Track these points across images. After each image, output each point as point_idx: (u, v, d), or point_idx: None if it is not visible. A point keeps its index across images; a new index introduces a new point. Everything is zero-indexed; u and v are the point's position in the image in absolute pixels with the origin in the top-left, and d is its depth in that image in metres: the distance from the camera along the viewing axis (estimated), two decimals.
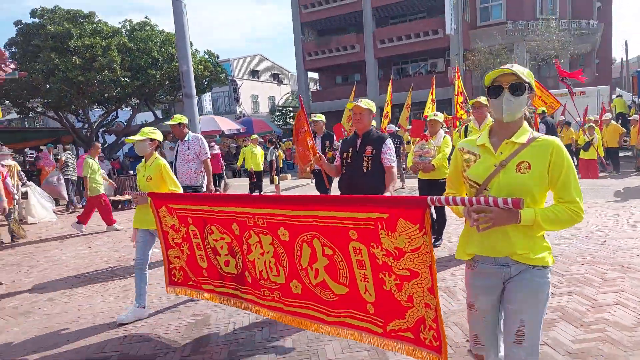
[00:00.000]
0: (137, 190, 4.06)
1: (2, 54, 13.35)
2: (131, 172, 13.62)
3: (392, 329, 2.30)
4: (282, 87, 46.51)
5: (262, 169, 12.24)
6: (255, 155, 11.98)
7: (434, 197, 1.93)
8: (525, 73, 1.91)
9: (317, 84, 40.34)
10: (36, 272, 6.06)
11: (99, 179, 8.50)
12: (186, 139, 5.65)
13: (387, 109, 11.76)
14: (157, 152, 4.26)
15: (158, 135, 4.23)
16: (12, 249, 7.62)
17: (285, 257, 2.77)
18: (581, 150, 11.01)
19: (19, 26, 14.94)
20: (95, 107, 18.53)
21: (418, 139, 5.94)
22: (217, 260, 3.32)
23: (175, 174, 5.48)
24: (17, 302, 4.91)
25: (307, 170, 4.89)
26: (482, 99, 5.11)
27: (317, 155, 4.08)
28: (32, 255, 7.05)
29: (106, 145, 18.30)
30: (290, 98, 42.73)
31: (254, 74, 43.25)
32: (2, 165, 10.56)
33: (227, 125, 20.88)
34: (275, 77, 46.21)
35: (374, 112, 3.88)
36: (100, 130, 18.83)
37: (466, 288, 2.09)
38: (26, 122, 34.99)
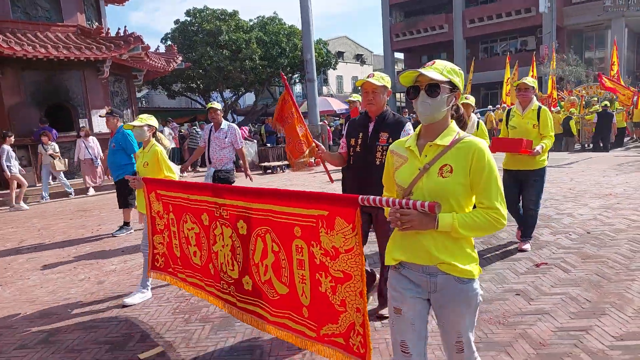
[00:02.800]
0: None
1: (173, 49, 16.82)
2: (268, 145, 16.59)
3: (325, 334, 2.25)
4: (364, 67, 48.29)
5: None
6: None
7: (364, 197, 1.90)
8: (445, 71, 1.78)
9: (402, 64, 41.75)
10: None
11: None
12: (222, 126, 5.61)
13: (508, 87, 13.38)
14: (153, 139, 4.27)
15: (154, 122, 4.27)
16: None
17: (240, 252, 2.72)
18: None
19: (177, 25, 18.40)
20: (226, 90, 21.95)
21: None
22: (188, 250, 3.29)
23: (209, 158, 5.64)
24: None
25: (300, 165, 4.01)
26: (529, 81, 4.61)
27: (313, 144, 3.48)
28: None
29: (235, 122, 21.74)
30: None
31: (340, 55, 45.35)
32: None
33: (337, 105, 23.55)
34: (359, 58, 47.99)
35: (390, 88, 3.22)
36: (230, 110, 22.30)
37: (390, 292, 1.94)
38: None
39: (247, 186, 2.85)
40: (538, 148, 4.40)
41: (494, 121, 16.97)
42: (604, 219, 5.61)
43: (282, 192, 2.42)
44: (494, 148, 4.38)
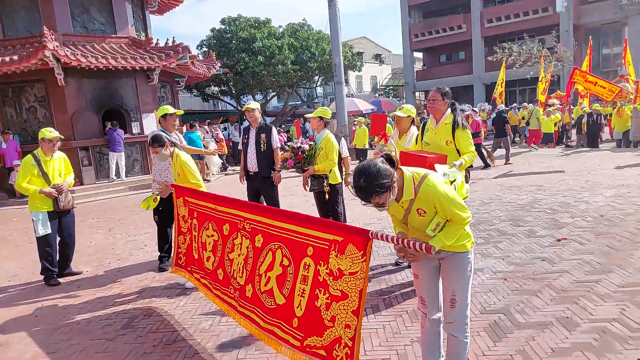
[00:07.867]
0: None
1: (211, 56, 18.02)
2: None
3: (307, 344, 2.46)
4: (383, 66, 49.05)
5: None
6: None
7: (375, 232, 2.23)
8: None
9: (422, 63, 42.47)
10: None
11: None
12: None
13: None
14: (174, 148, 4.67)
15: (161, 140, 4.59)
16: None
17: (251, 262, 3.00)
18: None
19: (213, 32, 19.64)
20: (258, 93, 23.16)
21: (377, 139, 5.38)
22: (202, 254, 3.66)
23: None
24: None
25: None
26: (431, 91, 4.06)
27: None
28: None
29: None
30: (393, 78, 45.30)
31: (359, 55, 46.19)
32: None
33: (363, 105, 24.58)
34: (378, 58, 48.76)
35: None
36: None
37: (411, 263, 2.59)
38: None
39: (273, 207, 3.34)
40: (457, 163, 3.74)
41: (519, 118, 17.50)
42: (616, 205, 6.55)
43: (304, 217, 2.70)
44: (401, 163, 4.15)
